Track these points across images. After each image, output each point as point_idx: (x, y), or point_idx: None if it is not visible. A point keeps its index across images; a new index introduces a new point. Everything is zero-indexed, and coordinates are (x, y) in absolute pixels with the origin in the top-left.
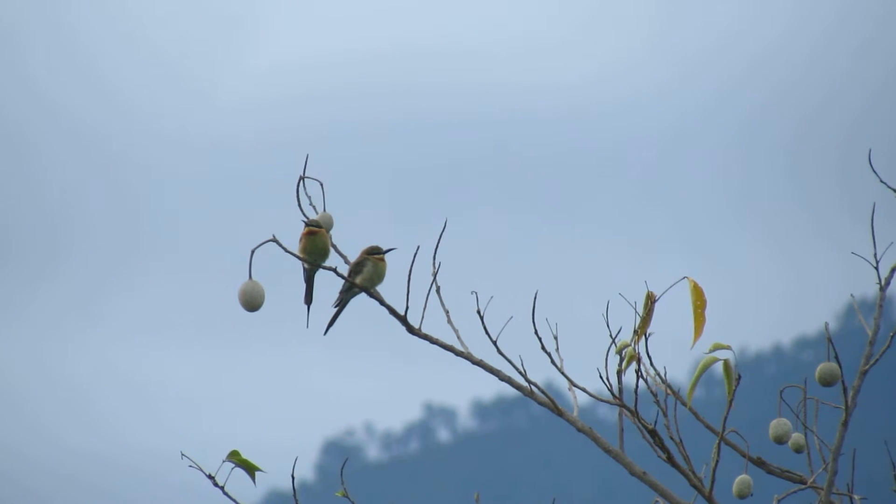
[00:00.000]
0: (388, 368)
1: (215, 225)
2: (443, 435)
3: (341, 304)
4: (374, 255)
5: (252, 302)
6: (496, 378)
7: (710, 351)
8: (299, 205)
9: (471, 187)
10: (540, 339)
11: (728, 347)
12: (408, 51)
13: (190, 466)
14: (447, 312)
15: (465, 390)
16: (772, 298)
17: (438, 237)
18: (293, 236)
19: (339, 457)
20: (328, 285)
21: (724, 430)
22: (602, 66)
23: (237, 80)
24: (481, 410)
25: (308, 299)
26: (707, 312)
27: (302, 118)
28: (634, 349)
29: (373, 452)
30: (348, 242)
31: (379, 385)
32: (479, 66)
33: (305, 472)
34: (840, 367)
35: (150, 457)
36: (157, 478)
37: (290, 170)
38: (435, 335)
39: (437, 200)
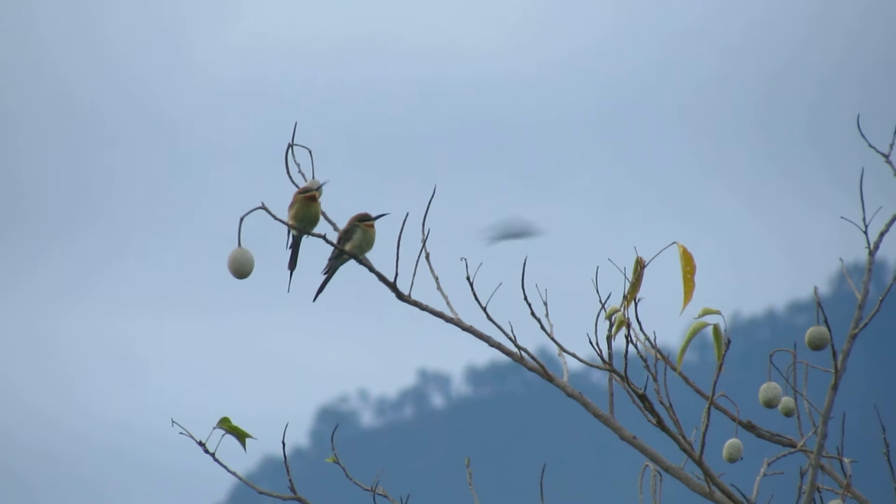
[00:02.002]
0: (381, 335)
1: (204, 194)
2: (437, 401)
3: (330, 271)
4: (364, 222)
5: (241, 269)
6: (487, 344)
7: (700, 316)
8: (288, 172)
9: (451, 155)
10: (529, 304)
11: (718, 312)
12: (384, 18)
13: (180, 433)
14: (437, 279)
15: (458, 357)
16: (765, 263)
17: (427, 203)
18: (282, 204)
19: (334, 423)
20: (316, 252)
21: (713, 395)
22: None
23: (218, 46)
24: (475, 376)
25: (292, 265)
26: (697, 278)
27: (283, 84)
28: (624, 315)
29: (367, 419)
30: (336, 210)
31: (373, 352)
32: (455, 33)
33: (300, 438)
34: (830, 331)
35: (136, 433)
36: (140, 455)
37: (274, 137)
38: (425, 302)
39: (419, 167)
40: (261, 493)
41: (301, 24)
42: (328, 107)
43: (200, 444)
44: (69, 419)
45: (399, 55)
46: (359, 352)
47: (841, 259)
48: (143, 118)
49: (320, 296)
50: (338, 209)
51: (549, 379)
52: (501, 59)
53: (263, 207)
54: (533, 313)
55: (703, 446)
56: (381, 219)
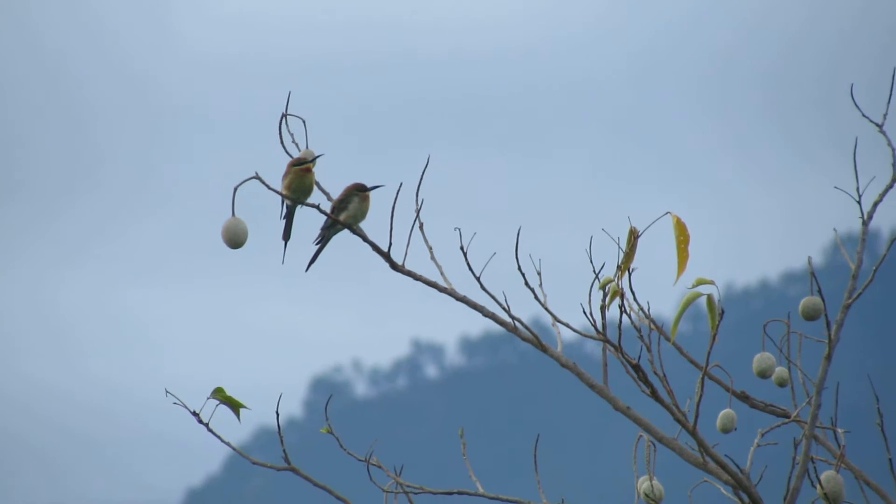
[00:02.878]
0: (375, 306)
1: (196, 164)
2: (431, 371)
3: (323, 240)
4: (359, 193)
5: (235, 239)
6: (481, 314)
7: (694, 286)
8: (282, 142)
9: (444, 126)
10: (523, 274)
11: (712, 282)
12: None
13: (174, 403)
14: (430, 249)
15: (452, 327)
16: (759, 233)
17: (421, 173)
18: (276, 174)
19: (327, 394)
20: (310, 222)
21: (707, 365)
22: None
23: (205, 22)
24: (469, 347)
25: (286, 235)
26: (692, 248)
27: (273, 55)
28: (618, 285)
29: (361, 389)
30: (329, 179)
31: (366, 322)
32: (442, 5)
33: (294, 408)
34: (823, 301)
35: (132, 400)
36: (136, 421)
37: (266, 109)
38: (419, 272)
39: (411, 138)
40: (254, 463)
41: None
42: (320, 79)
43: (194, 413)
44: (68, 384)
45: (395, 28)
46: (352, 322)
47: (835, 229)
48: (134, 89)
49: (313, 266)
50: (330, 179)
51: (543, 349)
52: (502, 30)
53: (257, 177)
54: (527, 283)
55: (696, 417)
56: (375, 190)
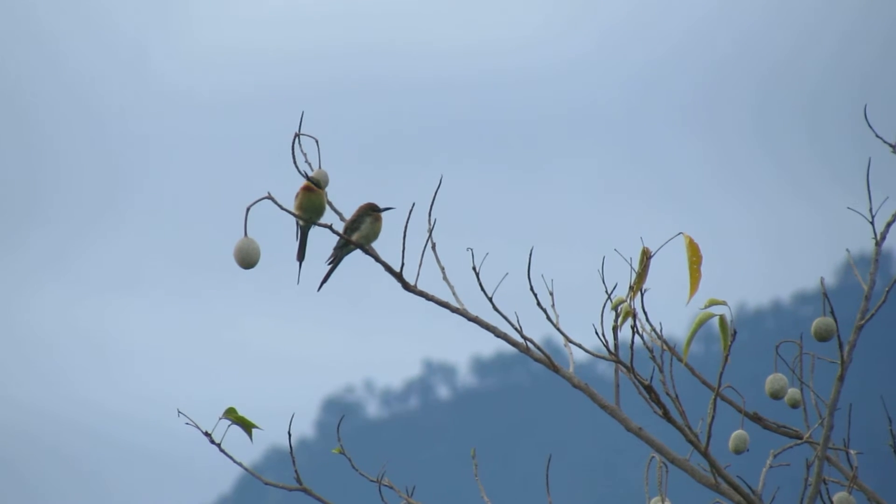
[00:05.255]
0: (387, 326)
1: (206, 182)
2: (442, 392)
3: (335, 260)
4: (372, 213)
5: (247, 259)
6: (493, 335)
7: (706, 307)
8: (294, 162)
9: (450, 149)
10: (535, 295)
11: (724, 303)
12: (381, 11)
13: (186, 424)
14: (443, 269)
15: (464, 347)
16: (771, 254)
17: (434, 194)
18: (289, 193)
19: (339, 414)
20: (323, 243)
21: (719, 386)
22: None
23: (216, 33)
24: (481, 367)
25: (301, 256)
26: (704, 268)
27: (275, 76)
28: (630, 305)
29: (373, 409)
30: (343, 199)
31: (378, 342)
32: (449, 29)
33: (306, 429)
34: (836, 322)
35: (135, 424)
36: (141, 445)
37: (265, 128)
38: (431, 292)
39: (421, 160)
40: (266, 483)
41: (297, 31)
42: (327, 103)
43: (207, 434)
44: (51, 403)
45: (400, 54)
46: (364, 342)
47: (847, 250)
48: (146, 98)
49: (325, 286)
50: (341, 200)
51: (555, 370)
52: (505, 55)
53: (270, 197)
54: (539, 304)
55: (708, 437)
56: (387, 212)
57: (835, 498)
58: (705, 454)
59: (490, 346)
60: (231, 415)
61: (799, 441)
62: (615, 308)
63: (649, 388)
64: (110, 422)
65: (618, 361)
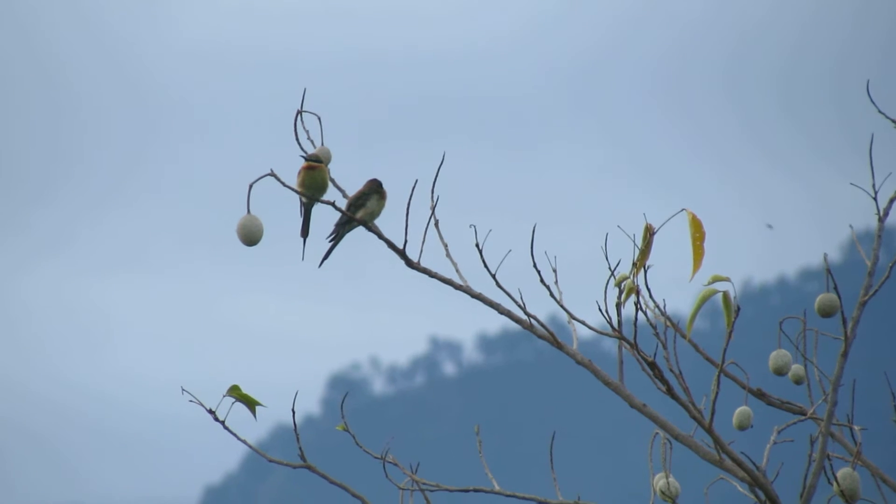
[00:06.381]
0: (392, 303)
1: (209, 160)
2: (448, 369)
3: (337, 237)
4: (375, 190)
5: (250, 236)
6: (497, 312)
7: (710, 283)
8: (297, 139)
9: (437, 125)
10: (539, 271)
11: (727, 279)
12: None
13: (190, 401)
14: (446, 246)
15: (470, 324)
16: (776, 230)
17: (437, 170)
18: (292, 170)
19: (345, 391)
20: (326, 219)
21: (723, 362)
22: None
23: (202, 12)
24: (486, 344)
25: (304, 232)
26: (707, 244)
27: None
28: (634, 282)
29: (378, 386)
30: (345, 177)
31: (384, 320)
32: (439, 4)
33: (312, 406)
34: (840, 298)
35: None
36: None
37: (253, 102)
38: (434, 269)
39: (421, 135)
40: (271, 461)
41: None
42: (326, 75)
43: (210, 412)
44: (42, 386)
45: (404, 23)
46: (370, 320)
47: (851, 226)
48: (117, 83)
49: (327, 262)
50: (343, 177)
51: (559, 347)
52: (472, 29)
53: (272, 174)
54: (542, 281)
55: (712, 414)
56: (387, 186)
57: (839, 474)
58: (709, 430)
59: (496, 323)
60: (235, 392)
61: (803, 417)
62: (618, 285)
63: (653, 365)
64: (109, 404)
65: (621, 338)
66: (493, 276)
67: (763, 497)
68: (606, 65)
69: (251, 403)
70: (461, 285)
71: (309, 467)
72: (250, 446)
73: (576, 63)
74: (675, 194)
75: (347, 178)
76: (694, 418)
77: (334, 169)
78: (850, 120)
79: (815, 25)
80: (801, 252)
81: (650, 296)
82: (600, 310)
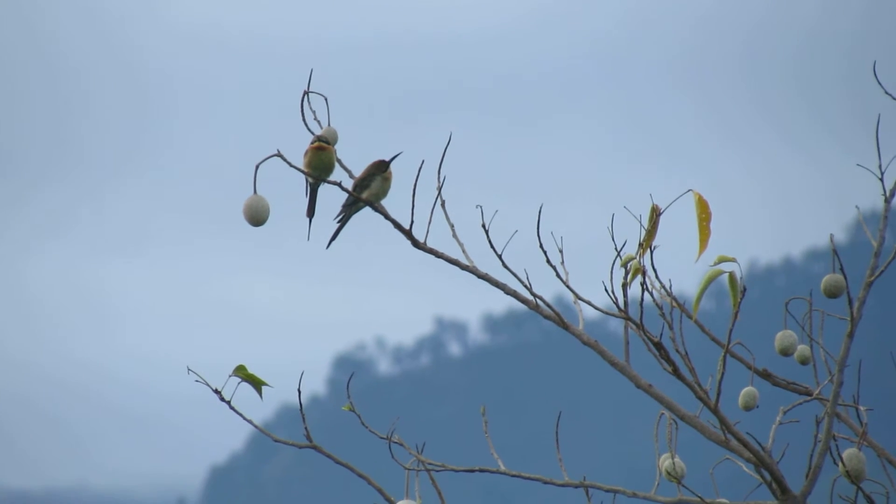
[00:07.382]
0: (398, 283)
1: (215, 140)
2: (454, 349)
3: (344, 218)
4: (381, 170)
5: (257, 217)
6: (503, 292)
7: (716, 263)
8: (304, 119)
9: (451, 107)
10: (545, 252)
11: (733, 260)
12: None
13: (196, 381)
14: (452, 226)
15: (475, 304)
16: (783, 211)
17: (443, 151)
18: (298, 151)
19: (350, 371)
20: (333, 200)
21: (729, 343)
22: None
23: None
24: (492, 324)
25: (310, 213)
26: (713, 225)
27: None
28: (640, 262)
29: (384, 366)
30: (351, 157)
31: (390, 300)
32: None
33: (318, 387)
34: (846, 278)
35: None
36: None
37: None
38: (441, 250)
39: (428, 118)
40: (276, 441)
41: None
42: (337, 61)
43: (217, 391)
44: (51, 364)
45: (411, 7)
46: (376, 300)
47: (857, 206)
48: (120, 66)
49: (334, 243)
50: (350, 158)
51: (565, 327)
52: (500, 12)
53: (279, 155)
54: (548, 261)
55: (718, 394)
56: (395, 160)
57: (844, 454)
58: (715, 411)
59: (501, 303)
60: (241, 372)
61: (809, 398)
62: (625, 265)
63: (659, 345)
64: (116, 383)
65: (627, 318)
66: (500, 257)
67: (769, 477)
68: (624, 46)
69: (257, 383)
70: (468, 266)
71: (315, 447)
72: (256, 426)
73: (594, 44)
74: (688, 172)
75: (356, 158)
76: (700, 399)
77: (341, 150)
78: (861, 101)
79: (831, 8)
80: (808, 233)
81: (656, 276)
82: (606, 290)
